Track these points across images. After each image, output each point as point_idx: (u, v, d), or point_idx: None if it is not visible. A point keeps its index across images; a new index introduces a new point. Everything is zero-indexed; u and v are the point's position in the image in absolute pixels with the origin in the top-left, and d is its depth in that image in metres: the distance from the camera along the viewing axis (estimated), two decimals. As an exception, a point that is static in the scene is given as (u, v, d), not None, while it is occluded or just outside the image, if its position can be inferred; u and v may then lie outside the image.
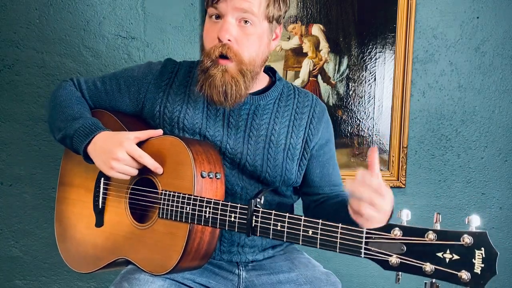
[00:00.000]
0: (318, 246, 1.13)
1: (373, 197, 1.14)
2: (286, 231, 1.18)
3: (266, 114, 1.52)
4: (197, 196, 1.31)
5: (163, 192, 1.37)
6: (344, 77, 2.28)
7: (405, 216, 1.02)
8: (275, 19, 1.45)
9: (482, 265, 0.91)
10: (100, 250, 1.51)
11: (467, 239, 0.93)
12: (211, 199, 1.30)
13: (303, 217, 1.16)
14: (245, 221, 1.24)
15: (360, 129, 2.30)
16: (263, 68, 1.54)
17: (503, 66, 2.29)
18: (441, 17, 2.26)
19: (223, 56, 1.38)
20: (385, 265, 1.02)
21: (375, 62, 2.27)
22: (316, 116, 1.55)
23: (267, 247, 1.59)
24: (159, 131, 1.46)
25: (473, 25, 2.27)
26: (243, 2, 1.35)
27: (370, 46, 2.26)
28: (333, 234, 1.11)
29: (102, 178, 1.53)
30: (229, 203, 1.28)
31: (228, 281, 1.53)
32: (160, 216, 1.37)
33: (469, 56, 2.29)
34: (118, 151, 1.37)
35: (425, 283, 0.99)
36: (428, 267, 0.96)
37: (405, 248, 0.99)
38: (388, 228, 1.03)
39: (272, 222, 1.21)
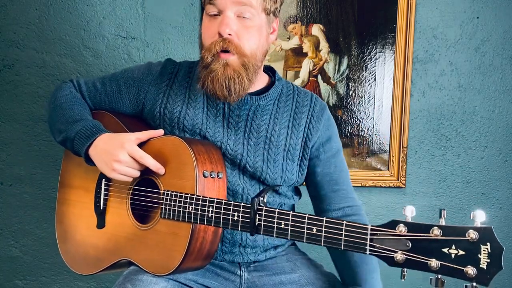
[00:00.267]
0: (322, 244, 1.13)
1: None
2: (290, 229, 1.18)
3: (265, 115, 1.51)
4: (200, 196, 1.31)
5: (165, 192, 1.37)
6: (344, 77, 2.28)
7: (410, 213, 1.02)
8: (272, 11, 1.45)
9: (488, 260, 0.91)
10: (101, 252, 1.50)
11: (472, 234, 0.93)
12: (214, 199, 1.29)
13: (307, 215, 1.16)
14: (249, 220, 1.24)
15: (360, 129, 2.30)
16: (263, 64, 1.54)
17: (503, 66, 2.30)
18: (441, 17, 2.26)
19: (224, 51, 1.38)
20: (390, 261, 1.02)
21: (375, 62, 2.27)
22: (315, 115, 1.55)
23: (268, 248, 1.58)
24: (160, 131, 1.45)
25: (473, 25, 2.27)
26: None
27: (370, 46, 2.26)
28: (338, 232, 1.10)
29: (103, 179, 1.52)
30: (232, 202, 1.27)
31: (230, 282, 1.52)
32: (162, 216, 1.36)
33: (469, 56, 2.29)
34: (119, 153, 1.37)
35: (431, 279, 0.99)
36: (434, 262, 0.96)
37: (410, 244, 0.99)
38: (393, 224, 1.02)
39: (275, 220, 1.20)
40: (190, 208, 1.31)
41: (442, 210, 0.98)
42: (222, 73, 1.38)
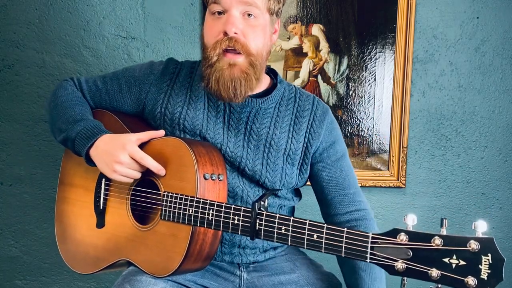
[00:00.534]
0: (323, 251, 1.12)
1: None
2: (291, 234, 1.17)
3: (266, 118, 1.51)
4: (200, 198, 1.30)
5: (165, 193, 1.36)
6: (344, 77, 2.28)
7: (411, 221, 1.02)
8: (275, 12, 1.46)
9: (489, 271, 0.91)
10: (101, 251, 1.50)
11: (473, 245, 0.93)
12: (214, 201, 1.29)
13: (308, 221, 1.16)
14: (249, 224, 1.23)
15: (360, 129, 2.30)
16: (266, 64, 1.53)
17: (503, 66, 2.29)
18: (441, 17, 2.26)
19: (229, 50, 1.38)
20: (391, 270, 1.02)
21: (375, 62, 2.27)
22: (316, 120, 1.54)
23: (268, 249, 1.58)
24: (161, 132, 1.45)
25: (473, 25, 2.27)
26: None
27: (370, 46, 2.26)
28: (339, 239, 1.10)
29: (103, 179, 1.52)
30: (233, 205, 1.26)
31: (229, 283, 1.52)
32: (162, 217, 1.36)
33: (469, 56, 2.29)
34: (120, 154, 1.37)
35: (430, 288, 0.99)
36: (434, 272, 0.96)
37: (411, 253, 0.99)
38: (394, 233, 1.02)
39: (276, 225, 1.20)
40: (190, 211, 1.30)
41: (444, 219, 0.98)
42: (228, 74, 1.38)
